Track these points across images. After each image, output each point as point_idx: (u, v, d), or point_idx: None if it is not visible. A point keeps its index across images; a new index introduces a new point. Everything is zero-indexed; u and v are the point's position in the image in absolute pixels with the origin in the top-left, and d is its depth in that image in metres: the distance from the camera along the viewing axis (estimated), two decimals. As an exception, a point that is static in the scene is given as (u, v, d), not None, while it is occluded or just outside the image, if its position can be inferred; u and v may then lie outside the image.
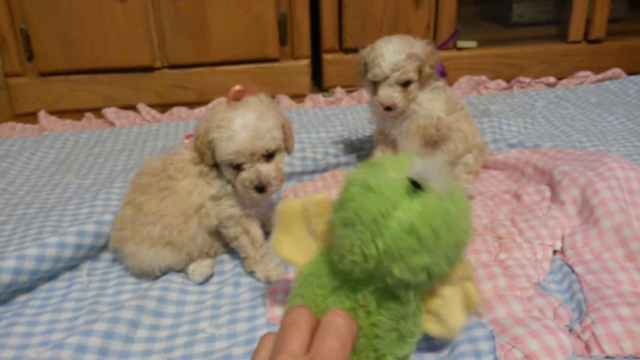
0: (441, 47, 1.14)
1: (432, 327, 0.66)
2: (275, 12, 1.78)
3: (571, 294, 0.81)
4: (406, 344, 0.64)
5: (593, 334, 0.70)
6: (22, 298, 0.88)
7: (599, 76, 1.88)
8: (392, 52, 1.02)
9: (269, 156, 0.85)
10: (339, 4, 1.83)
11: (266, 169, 0.84)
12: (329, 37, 1.87)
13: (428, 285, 0.61)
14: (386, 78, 1.04)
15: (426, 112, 1.09)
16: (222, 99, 1.81)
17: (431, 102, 1.09)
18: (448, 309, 0.65)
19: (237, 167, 0.85)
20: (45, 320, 0.82)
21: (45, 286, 0.90)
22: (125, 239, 0.90)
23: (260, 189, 0.84)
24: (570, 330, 0.73)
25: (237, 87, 0.88)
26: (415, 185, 0.54)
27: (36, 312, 0.84)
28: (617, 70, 1.88)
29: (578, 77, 1.90)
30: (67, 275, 0.93)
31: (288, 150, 0.90)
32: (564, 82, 1.89)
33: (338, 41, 1.88)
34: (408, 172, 0.54)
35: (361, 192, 0.55)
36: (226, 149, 0.82)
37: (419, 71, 1.05)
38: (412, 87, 1.06)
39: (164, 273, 0.91)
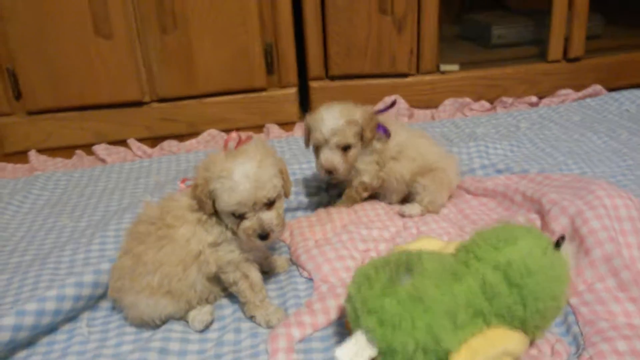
0: (380, 112, 1.20)
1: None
2: (261, 43, 1.80)
3: (567, 327, 0.83)
4: None
5: (591, 369, 0.72)
6: (22, 354, 0.88)
7: (580, 94, 1.93)
8: (332, 118, 1.10)
9: (269, 203, 0.86)
10: (323, 32, 1.86)
11: (268, 217, 0.86)
12: (314, 65, 1.90)
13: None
14: (326, 142, 1.10)
15: (357, 175, 1.19)
16: (213, 131, 1.83)
17: (365, 166, 1.18)
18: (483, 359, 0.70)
19: (239, 217, 0.86)
20: (48, 377, 0.82)
21: (45, 340, 0.90)
22: (124, 289, 0.90)
23: (264, 236, 0.86)
24: (569, 366, 0.75)
25: (234, 134, 0.90)
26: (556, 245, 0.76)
27: (38, 369, 0.84)
28: (597, 87, 1.92)
29: (559, 95, 1.94)
30: (66, 327, 0.93)
31: (286, 194, 0.92)
32: (545, 100, 1.94)
33: (324, 69, 1.90)
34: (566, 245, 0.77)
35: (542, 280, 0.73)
36: (228, 200, 0.83)
37: (360, 137, 1.12)
38: (352, 152, 1.13)
39: (164, 322, 0.91)
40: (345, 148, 1.12)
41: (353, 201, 1.24)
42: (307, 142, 1.18)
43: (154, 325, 0.90)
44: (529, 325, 0.73)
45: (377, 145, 1.18)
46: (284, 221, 0.89)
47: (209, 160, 0.87)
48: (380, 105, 1.64)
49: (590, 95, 1.91)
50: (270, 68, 1.85)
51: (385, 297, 0.71)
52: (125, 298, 0.90)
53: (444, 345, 0.70)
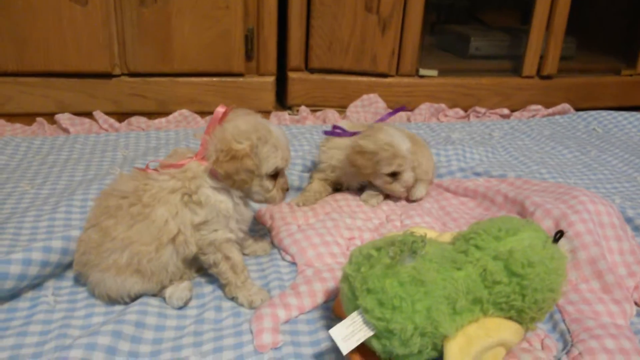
0: (384, 119, 1.27)
1: (453, 347, 0.69)
2: (242, 27, 1.76)
3: (553, 323, 0.83)
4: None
5: (581, 365, 0.72)
6: (-21, 319, 0.80)
7: (550, 110, 1.98)
8: (403, 140, 1.14)
9: None
10: (307, 23, 1.83)
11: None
12: (295, 55, 1.87)
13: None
14: (405, 163, 1.14)
15: None
16: (185, 111, 1.76)
17: None
18: (479, 349, 0.70)
19: (275, 175, 0.88)
20: (9, 345, 0.75)
21: (5, 306, 0.83)
22: (90, 265, 0.84)
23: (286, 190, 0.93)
24: (558, 361, 0.75)
25: (221, 109, 0.85)
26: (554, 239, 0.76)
27: (-3, 336, 0.76)
28: (566, 106, 1.99)
29: (530, 110, 1.99)
30: (30, 294, 0.86)
31: None
32: (516, 114, 1.98)
33: (304, 60, 1.88)
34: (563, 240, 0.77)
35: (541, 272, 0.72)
36: (276, 157, 0.86)
37: None
38: None
39: (135, 299, 0.85)
40: None
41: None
42: (370, 172, 1.14)
43: (123, 302, 0.84)
44: (525, 317, 0.73)
45: None
46: None
47: (234, 133, 0.83)
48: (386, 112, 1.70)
49: (559, 113, 1.97)
50: (249, 54, 1.81)
51: (387, 277, 0.69)
52: (90, 274, 0.84)
53: (442, 330, 0.68)
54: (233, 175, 0.82)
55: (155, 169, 0.89)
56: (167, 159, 0.90)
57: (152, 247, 0.83)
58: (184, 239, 0.84)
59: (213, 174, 0.85)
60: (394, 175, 1.15)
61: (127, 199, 0.84)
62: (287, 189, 0.92)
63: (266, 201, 0.91)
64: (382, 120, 1.25)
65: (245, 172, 0.83)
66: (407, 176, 1.15)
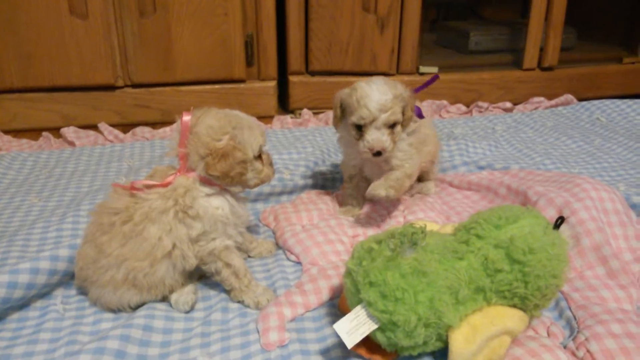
0: (418, 90, 1.10)
1: (458, 337, 0.69)
2: (242, 33, 1.77)
3: (559, 311, 0.83)
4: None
5: (588, 350, 0.72)
6: (-10, 329, 0.81)
7: (552, 102, 1.98)
8: (379, 93, 0.97)
9: None
10: (305, 26, 1.84)
11: None
12: (295, 59, 1.88)
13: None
14: (373, 120, 0.98)
15: (399, 162, 1.06)
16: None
17: (406, 150, 1.06)
18: (484, 338, 0.70)
19: (259, 155, 0.90)
20: (19, 353, 0.76)
21: (15, 316, 0.84)
22: (89, 281, 0.84)
23: None
24: (564, 347, 0.75)
25: (187, 117, 0.85)
26: (555, 225, 0.76)
27: (8, 345, 0.78)
28: (568, 96, 1.98)
29: (533, 102, 1.99)
30: (39, 303, 0.87)
31: None
32: (519, 107, 1.98)
33: (304, 63, 1.89)
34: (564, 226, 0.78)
35: (543, 258, 0.72)
36: (256, 137, 0.87)
37: (403, 113, 1.01)
38: (398, 128, 1.01)
39: (137, 307, 0.86)
40: (392, 126, 1.00)
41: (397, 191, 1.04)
42: (338, 120, 1.04)
43: (125, 312, 0.85)
44: (529, 304, 0.73)
45: (414, 124, 1.07)
46: None
47: (209, 133, 0.82)
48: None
49: (562, 104, 1.96)
50: (250, 60, 1.83)
51: (388, 270, 0.69)
52: (90, 290, 0.85)
53: (446, 320, 0.68)
54: (229, 172, 0.82)
55: (141, 189, 0.85)
56: (148, 178, 0.87)
57: (146, 263, 0.82)
58: (181, 253, 0.84)
59: (205, 181, 0.85)
60: (359, 130, 1.00)
61: (119, 215, 0.83)
62: (272, 162, 0.93)
63: (262, 182, 0.91)
64: (416, 91, 1.08)
65: (239, 164, 0.83)
66: (372, 138, 0.98)
